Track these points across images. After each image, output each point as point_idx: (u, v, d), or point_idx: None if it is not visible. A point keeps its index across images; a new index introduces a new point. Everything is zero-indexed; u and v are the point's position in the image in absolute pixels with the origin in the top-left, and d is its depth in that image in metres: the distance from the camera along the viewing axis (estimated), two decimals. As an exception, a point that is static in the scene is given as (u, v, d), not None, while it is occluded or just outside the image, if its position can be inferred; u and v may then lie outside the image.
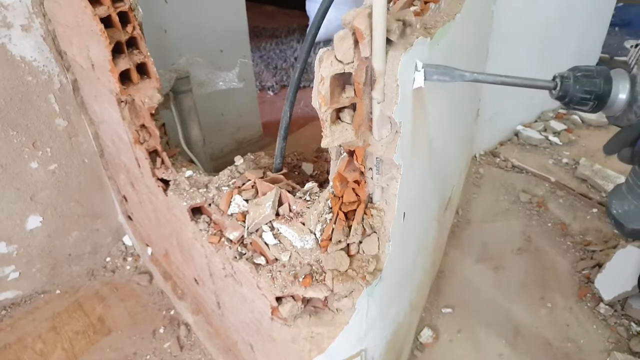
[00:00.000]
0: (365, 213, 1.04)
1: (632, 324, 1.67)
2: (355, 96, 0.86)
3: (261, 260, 1.10)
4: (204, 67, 2.30)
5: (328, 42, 3.82)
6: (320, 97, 0.85)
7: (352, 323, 1.08)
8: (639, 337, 1.63)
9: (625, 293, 1.71)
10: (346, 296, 1.03)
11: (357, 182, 1.02)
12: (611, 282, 1.76)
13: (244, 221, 1.16)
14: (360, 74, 0.82)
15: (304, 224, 1.05)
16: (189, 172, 1.40)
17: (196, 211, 1.33)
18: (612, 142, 0.81)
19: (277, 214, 1.12)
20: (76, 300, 2.03)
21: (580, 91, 0.83)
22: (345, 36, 0.79)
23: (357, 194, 1.02)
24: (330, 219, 1.02)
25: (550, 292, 1.83)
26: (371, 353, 1.23)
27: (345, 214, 1.04)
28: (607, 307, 1.73)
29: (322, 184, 1.24)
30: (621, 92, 0.82)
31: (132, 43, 1.33)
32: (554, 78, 0.87)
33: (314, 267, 1.05)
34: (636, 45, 0.83)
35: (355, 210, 1.04)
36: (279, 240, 1.09)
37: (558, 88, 0.86)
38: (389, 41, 0.79)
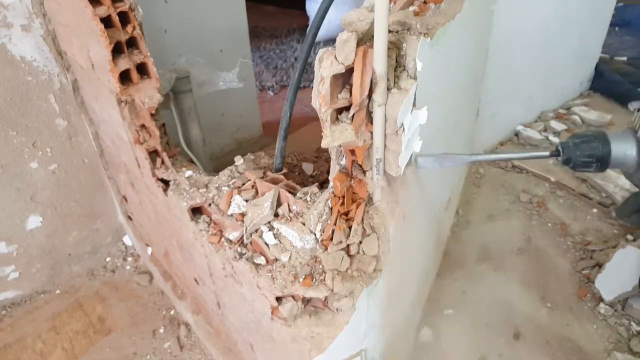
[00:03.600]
0: (365, 213, 1.04)
1: (633, 323, 1.67)
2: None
3: (261, 260, 1.10)
4: (204, 67, 2.30)
5: (328, 42, 3.82)
6: (320, 98, 0.85)
7: (352, 323, 1.08)
8: (639, 337, 1.62)
9: (625, 293, 1.71)
10: (346, 296, 1.03)
11: (357, 181, 1.02)
12: (611, 282, 1.76)
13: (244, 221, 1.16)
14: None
15: (304, 224, 1.05)
16: (189, 172, 1.40)
17: (196, 211, 1.33)
18: (624, 207, 0.88)
19: (277, 215, 1.12)
20: (76, 300, 2.03)
21: (582, 156, 0.92)
22: (348, 39, 0.80)
23: (357, 195, 1.03)
24: (330, 219, 1.02)
25: (550, 292, 1.83)
26: (371, 353, 1.23)
27: (346, 213, 1.04)
28: (607, 307, 1.73)
29: (323, 184, 1.24)
30: (628, 150, 0.90)
31: (132, 43, 1.33)
32: (557, 147, 0.96)
33: (314, 267, 1.05)
34: (639, 110, 0.91)
35: (355, 210, 1.04)
36: (279, 241, 1.09)
37: (562, 156, 0.95)
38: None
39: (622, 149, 0.90)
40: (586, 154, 0.91)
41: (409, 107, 0.88)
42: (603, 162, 0.91)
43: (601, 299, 1.76)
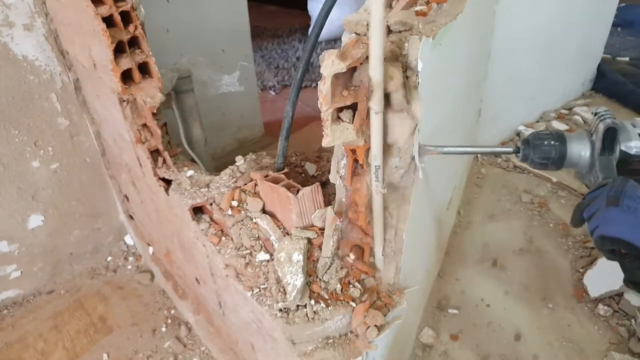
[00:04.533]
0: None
1: (633, 322, 1.67)
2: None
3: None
4: (206, 67, 2.31)
5: (330, 41, 3.81)
6: (321, 97, 0.85)
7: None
8: (635, 336, 1.62)
9: (612, 291, 1.71)
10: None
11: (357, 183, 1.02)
12: (600, 279, 1.77)
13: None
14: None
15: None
16: (190, 172, 1.41)
17: (197, 210, 1.33)
18: (575, 214, 0.86)
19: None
20: (77, 299, 2.04)
21: (537, 157, 0.95)
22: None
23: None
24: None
25: (551, 293, 1.83)
26: (372, 353, 1.23)
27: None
28: (605, 307, 1.73)
29: (324, 184, 1.24)
30: (582, 152, 0.92)
31: (134, 42, 1.33)
32: (517, 145, 0.99)
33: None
34: (595, 114, 0.92)
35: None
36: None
37: (520, 154, 0.98)
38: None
39: (577, 150, 0.92)
40: (543, 155, 0.94)
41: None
42: (559, 162, 0.94)
43: (586, 293, 1.77)
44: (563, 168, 0.95)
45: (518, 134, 2.69)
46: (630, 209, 0.75)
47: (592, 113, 0.96)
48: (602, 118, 0.90)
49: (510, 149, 0.99)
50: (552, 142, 0.93)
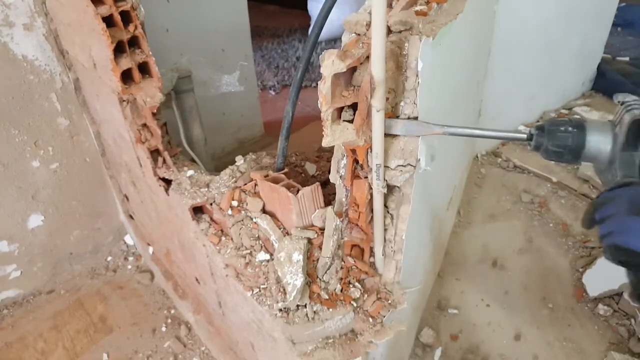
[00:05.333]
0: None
1: (632, 322, 1.67)
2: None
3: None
4: (206, 67, 2.31)
5: (330, 41, 3.80)
6: (321, 96, 0.85)
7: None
8: (635, 336, 1.62)
9: (611, 291, 1.71)
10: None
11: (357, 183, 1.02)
12: (599, 278, 1.77)
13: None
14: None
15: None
16: (190, 172, 1.41)
17: (197, 210, 1.33)
18: (586, 216, 0.78)
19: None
20: (77, 299, 2.04)
21: (552, 145, 0.83)
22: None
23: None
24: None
25: (551, 293, 1.83)
26: (373, 353, 1.23)
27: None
28: (605, 307, 1.73)
29: (324, 184, 1.24)
30: (602, 145, 0.81)
31: (134, 42, 1.33)
32: (530, 132, 0.87)
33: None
34: (622, 103, 0.80)
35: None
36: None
37: (533, 142, 0.86)
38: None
39: (597, 142, 0.81)
40: (558, 143, 0.83)
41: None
42: (576, 153, 0.83)
43: (586, 293, 1.77)
44: (580, 161, 0.84)
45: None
46: None
47: (617, 102, 0.82)
48: (629, 108, 0.78)
49: (523, 135, 0.88)
50: (570, 129, 0.82)
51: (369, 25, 0.89)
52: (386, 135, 0.90)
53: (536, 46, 2.42)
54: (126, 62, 1.30)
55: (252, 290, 1.12)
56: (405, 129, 0.91)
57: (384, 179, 0.96)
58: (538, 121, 2.79)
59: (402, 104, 0.92)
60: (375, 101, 0.83)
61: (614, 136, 0.80)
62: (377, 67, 0.79)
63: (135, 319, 1.93)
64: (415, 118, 0.93)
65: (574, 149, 0.82)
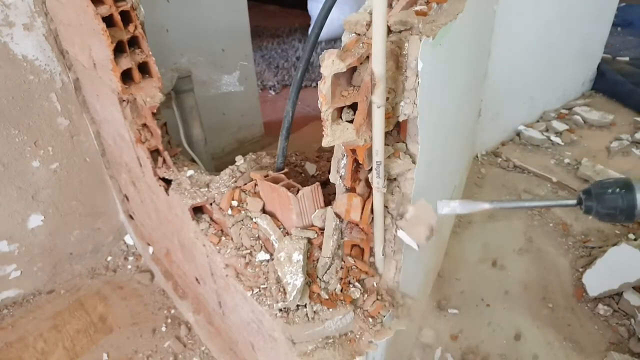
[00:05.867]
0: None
1: (632, 322, 1.67)
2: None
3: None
4: (206, 67, 2.31)
5: (330, 41, 3.80)
6: (321, 96, 0.85)
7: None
8: (635, 336, 1.62)
9: (611, 290, 1.72)
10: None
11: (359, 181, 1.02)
12: (599, 278, 1.77)
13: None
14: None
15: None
16: (190, 172, 1.40)
17: (197, 210, 1.33)
18: None
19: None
20: (77, 299, 2.04)
21: (604, 207, 0.84)
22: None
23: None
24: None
25: (551, 293, 1.83)
26: (373, 353, 1.23)
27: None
28: (605, 307, 1.73)
29: (324, 184, 1.24)
30: None
31: (133, 42, 1.33)
32: (579, 196, 0.88)
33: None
34: None
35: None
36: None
37: (584, 207, 0.87)
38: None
39: None
40: (608, 205, 0.84)
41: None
42: (629, 213, 0.83)
43: (585, 292, 1.77)
44: (636, 218, 0.84)
45: (518, 133, 2.69)
46: None
47: None
48: None
49: (573, 202, 0.89)
50: (618, 190, 0.83)
51: (369, 25, 0.90)
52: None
53: (536, 46, 2.42)
54: (126, 62, 1.30)
55: (252, 290, 1.12)
56: (452, 209, 0.91)
57: (385, 177, 0.96)
58: (538, 121, 2.79)
59: (402, 103, 0.92)
60: (376, 97, 0.83)
61: None
62: (378, 63, 0.79)
63: (135, 319, 1.93)
64: (415, 118, 0.93)
65: (625, 209, 0.83)
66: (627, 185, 0.83)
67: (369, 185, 1.02)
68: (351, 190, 1.03)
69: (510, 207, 0.90)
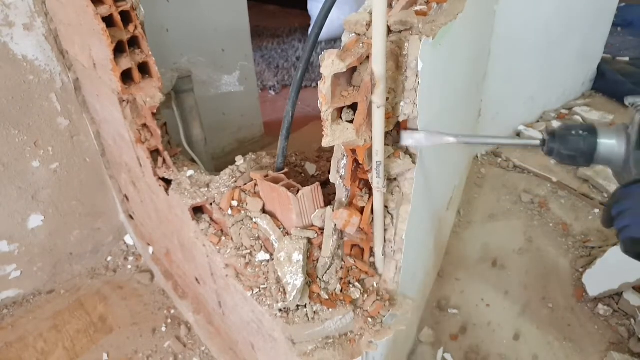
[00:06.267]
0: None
1: (632, 322, 1.67)
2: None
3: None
4: (206, 67, 2.31)
5: (330, 41, 3.80)
6: (321, 96, 0.85)
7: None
8: (635, 336, 1.62)
9: (611, 290, 1.72)
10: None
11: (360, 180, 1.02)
12: (599, 278, 1.77)
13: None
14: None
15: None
16: (190, 172, 1.41)
17: (197, 210, 1.33)
18: (605, 215, 0.79)
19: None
20: (77, 299, 2.04)
21: (566, 149, 0.86)
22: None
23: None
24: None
25: (551, 293, 1.83)
26: (372, 353, 1.23)
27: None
28: (605, 307, 1.73)
29: (324, 184, 1.24)
30: (615, 146, 0.84)
31: (133, 42, 1.33)
32: (542, 137, 0.90)
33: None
34: (632, 104, 0.83)
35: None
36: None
37: (545, 147, 0.89)
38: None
39: (609, 143, 0.84)
40: (570, 147, 0.86)
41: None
42: (588, 156, 0.85)
43: (585, 292, 1.77)
44: (594, 164, 0.86)
45: (518, 133, 2.69)
46: None
47: (628, 104, 0.86)
48: (639, 109, 0.82)
49: (537, 142, 0.91)
50: (581, 133, 0.85)
51: (369, 25, 0.90)
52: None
53: (536, 46, 2.42)
54: (126, 62, 1.30)
55: (252, 290, 1.12)
56: (417, 140, 0.93)
57: (385, 177, 0.96)
58: (538, 121, 2.79)
59: (402, 104, 0.92)
60: (376, 97, 0.83)
61: (627, 136, 0.83)
62: (378, 63, 0.79)
63: (135, 319, 1.93)
64: (415, 118, 0.93)
65: (586, 152, 0.85)
66: (590, 129, 0.85)
67: (368, 186, 1.02)
68: (352, 196, 1.03)
69: (474, 142, 0.91)
